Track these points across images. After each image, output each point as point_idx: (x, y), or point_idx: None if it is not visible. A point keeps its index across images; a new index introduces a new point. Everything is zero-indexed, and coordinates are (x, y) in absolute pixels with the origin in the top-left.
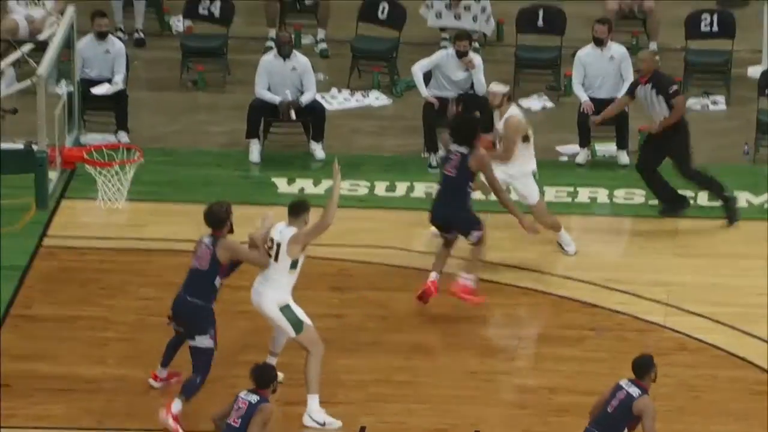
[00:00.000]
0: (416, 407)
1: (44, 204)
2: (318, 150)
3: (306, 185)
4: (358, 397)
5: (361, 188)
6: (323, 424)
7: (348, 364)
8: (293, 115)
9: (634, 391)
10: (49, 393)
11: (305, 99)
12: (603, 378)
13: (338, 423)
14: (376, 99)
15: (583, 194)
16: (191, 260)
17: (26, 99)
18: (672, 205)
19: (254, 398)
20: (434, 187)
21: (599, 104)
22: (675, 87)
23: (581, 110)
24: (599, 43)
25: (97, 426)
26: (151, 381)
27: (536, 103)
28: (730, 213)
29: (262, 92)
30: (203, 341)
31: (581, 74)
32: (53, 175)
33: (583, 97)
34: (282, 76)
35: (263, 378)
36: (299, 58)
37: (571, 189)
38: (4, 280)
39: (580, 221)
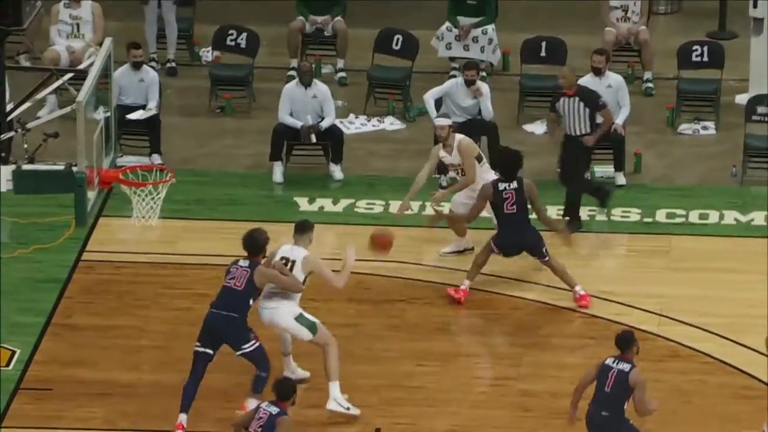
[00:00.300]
0: (427, 410)
1: (83, 221)
2: (337, 171)
3: (326, 204)
4: (372, 401)
5: (377, 207)
6: (347, 409)
7: (363, 370)
8: (314, 139)
9: (625, 366)
10: (90, 397)
11: (325, 124)
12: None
13: (358, 411)
14: (391, 124)
15: (583, 212)
16: (225, 281)
17: (67, 124)
18: (599, 194)
19: (275, 410)
20: (445, 207)
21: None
22: (602, 100)
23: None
24: (597, 72)
25: (132, 427)
26: None
27: (539, 128)
28: (602, 195)
29: (285, 117)
30: (250, 346)
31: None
32: (92, 194)
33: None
34: (303, 102)
35: (284, 391)
36: (319, 87)
37: None
38: (46, 292)
39: (580, 238)
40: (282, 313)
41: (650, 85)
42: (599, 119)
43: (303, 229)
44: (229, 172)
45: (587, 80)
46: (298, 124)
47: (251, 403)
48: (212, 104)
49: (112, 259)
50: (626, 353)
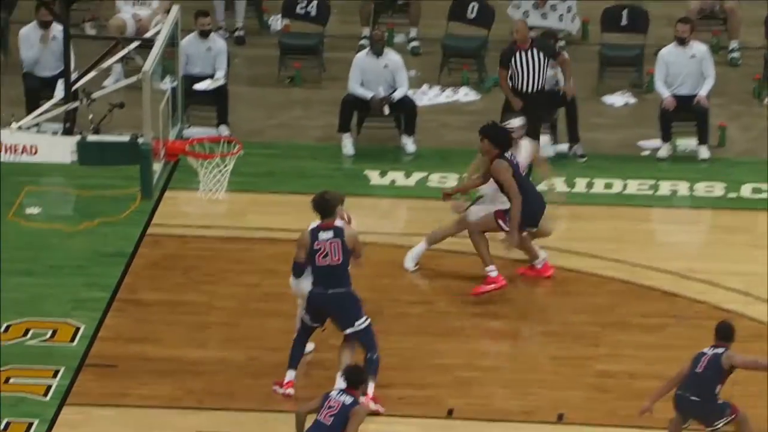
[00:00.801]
0: (501, 391)
1: (149, 194)
2: (409, 144)
3: (397, 177)
4: (445, 381)
5: (450, 180)
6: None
7: (436, 349)
8: (386, 111)
9: (719, 351)
10: (155, 374)
11: (397, 95)
12: (683, 364)
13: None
14: (465, 95)
15: (665, 187)
16: (318, 261)
17: (133, 94)
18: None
19: (348, 399)
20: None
21: (681, 101)
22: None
23: (663, 107)
24: (681, 42)
25: (198, 405)
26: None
27: (619, 99)
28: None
29: (355, 88)
30: (361, 323)
31: (664, 72)
32: (157, 166)
33: (665, 93)
34: (375, 73)
35: (355, 378)
36: (391, 56)
37: (653, 182)
38: (111, 266)
39: (662, 213)
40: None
41: (736, 55)
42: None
43: (332, 210)
44: (299, 144)
45: (670, 50)
46: (369, 94)
47: (371, 387)
48: (281, 74)
49: (178, 233)
50: (723, 342)
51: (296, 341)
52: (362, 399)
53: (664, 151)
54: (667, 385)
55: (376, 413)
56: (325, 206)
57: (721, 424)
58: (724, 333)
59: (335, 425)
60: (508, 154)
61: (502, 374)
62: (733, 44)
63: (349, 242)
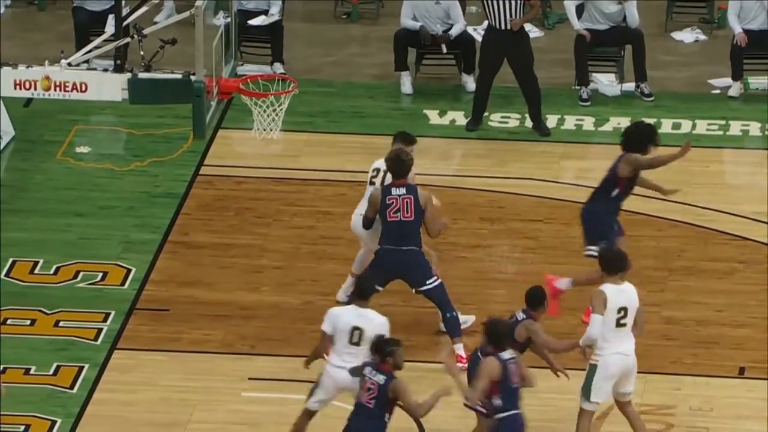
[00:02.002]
0: (563, 337)
1: (201, 133)
2: (470, 82)
3: (457, 117)
4: None
5: (512, 120)
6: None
7: (496, 294)
8: (444, 49)
9: (520, 316)
10: (207, 318)
11: (455, 31)
12: (752, 310)
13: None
14: (529, 31)
15: (735, 127)
16: (388, 216)
17: (184, 30)
18: (476, 119)
19: (381, 378)
20: (585, 121)
21: (753, 36)
22: None
23: (735, 42)
24: None
25: (251, 351)
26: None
27: (689, 36)
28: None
29: (406, 21)
30: (432, 282)
31: (737, 6)
32: (210, 105)
33: (737, 29)
34: (426, 9)
35: (382, 350)
36: None
37: (723, 122)
38: (162, 207)
39: (732, 154)
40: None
41: None
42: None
43: (407, 140)
44: (355, 83)
45: None
46: (417, 25)
47: (459, 348)
48: (338, 10)
49: (231, 174)
50: (534, 310)
51: None
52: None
53: (735, 89)
54: None
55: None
56: (401, 167)
57: None
58: (533, 300)
59: (378, 408)
60: None
61: (565, 320)
62: None
63: (423, 201)
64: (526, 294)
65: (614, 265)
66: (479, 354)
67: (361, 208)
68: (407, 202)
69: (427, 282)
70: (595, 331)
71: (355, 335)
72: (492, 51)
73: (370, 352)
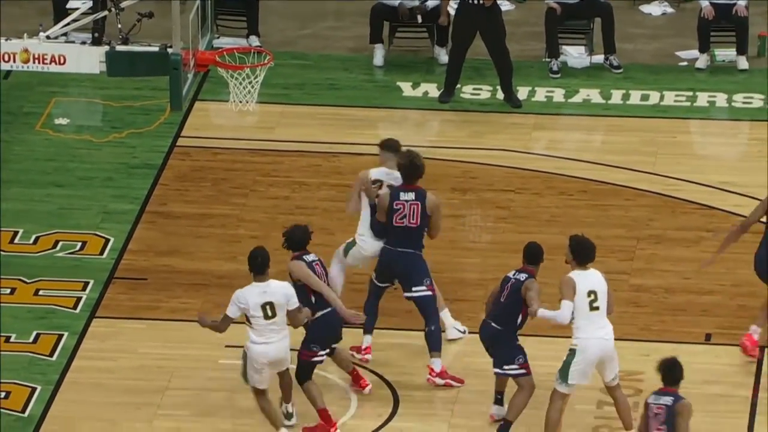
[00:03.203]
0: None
1: (178, 105)
2: (442, 54)
3: (430, 89)
4: (478, 295)
5: (484, 92)
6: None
7: (469, 263)
8: (419, 19)
9: (521, 276)
10: (185, 287)
11: (431, 3)
12: (718, 277)
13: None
14: (500, 5)
15: (702, 98)
16: (395, 220)
17: (162, 4)
18: (448, 91)
19: (668, 399)
20: (555, 93)
21: (720, 9)
22: None
23: (702, 15)
24: None
25: None
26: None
27: (657, 8)
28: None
29: None
30: (420, 291)
31: None
32: (187, 77)
33: (705, 2)
34: None
35: (674, 375)
36: None
37: (691, 93)
38: (140, 178)
39: (699, 125)
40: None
41: None
42: None
43: (394, 148)
44: (330, 55)
45: None
46: (395, 2)
47: (436, 364)
48: None
49: (208, 145)
50: (532, 265)
51: (367, 305)
52: (428, 378)
53: (702, 61)
54: None
55: (448, 386)
56: (415, 171)
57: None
58: (532, 256)
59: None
60: None
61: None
62: None
63: (430, 208)
64: (524, 249)
65: (584, 255)
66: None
67: (361, 228)
68: (414, 208)
69: (414, 289)
70: (564, 315)
71: (268, 310)
72: (465, 24)
73: (660, 372)
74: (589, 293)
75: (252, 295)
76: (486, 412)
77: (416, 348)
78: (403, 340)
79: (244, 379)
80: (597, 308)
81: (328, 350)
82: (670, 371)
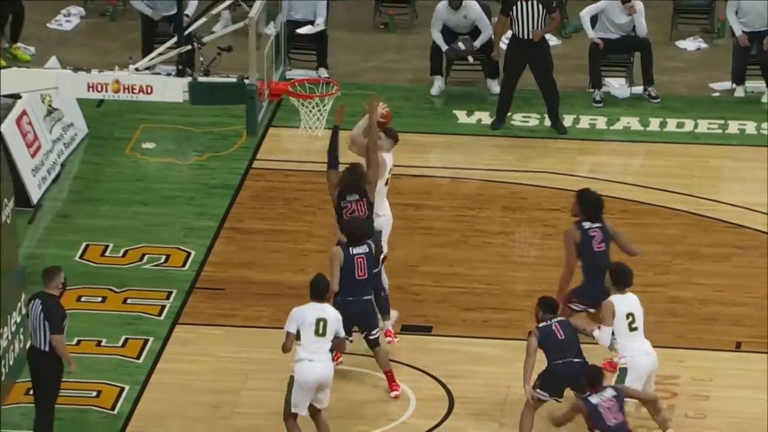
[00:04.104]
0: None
1: (254, 131)
2: (494, 86)
3: (483, 117)
4: (527, 305)
5: (532, 120)
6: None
7: (519, 276)
8: (470, 59)
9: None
10: (259, 297)
11: (479, 42)
12: (748, 290)
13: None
14: (548, 40)
15: (733, 126)
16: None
17: (240, 39)
18: (500, 119)
19: (610, 392)
20: (598, 120)
21: (754, 36)
22: (555, 2)
23: (738, 43)
24: None
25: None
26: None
27: (692, 44)
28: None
29: (436, 36)
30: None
31: (735, 5)
32: (262, 105)
33: (737, 28)
34: (455, 22)
35: (596, 378)
36: (470, 7)
37: (722, 121)
38: (219, 197)
39: (729, 150)
40: None
41: None
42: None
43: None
44: (392, 86)
45: None
46: (444, 47)
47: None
48: (376, 20)
49: (280, 167)
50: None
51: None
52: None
53: (740, 91)
54: None
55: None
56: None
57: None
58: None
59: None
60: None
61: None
62: None
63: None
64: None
65: (623, 281)
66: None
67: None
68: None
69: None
70: (604, 340)
71: (321, 326)
72: (515, 58)
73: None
74: (628, 315)
75: (309, 310)
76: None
77: (470, 353)
78: (456, 346)
79: (287, 405)
80: (636, 329)
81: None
82: (595, 377)
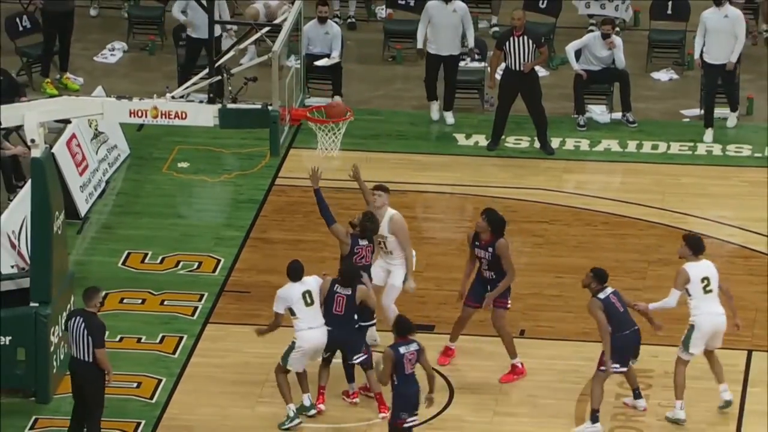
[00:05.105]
0: (564, 315)
1: (277, 152)
2: (449, 117)
3: (480, 139)
4: (517, 307)
5: (524, 142)
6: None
7: None
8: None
9: (612, 290)
10: None
11: (471, 41)
12: None
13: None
14: (537, 71)
15: (701, 148)
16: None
17: (264, 70)
18: (495, 141)
19: (415, 345)
20: (582, 143)
21: (719, 68)
22: (543, 38)
23: (706, 79)
24: (718, 3)
25: None
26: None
27: (664, 75)
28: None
29: (421, 31)
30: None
31: (703, 29)
32: (284, 129)
33: (699, 47)
34: (443, 17)
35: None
36: (458, 5)
37: (692, 144)
38: (245, 211)
39: (700, 170)
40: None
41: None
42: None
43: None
44: (399, 112)
45: (710, 11)
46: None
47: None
48: (385, 54)
49: (300, 184)
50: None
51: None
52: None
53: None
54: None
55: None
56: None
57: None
58: (603, 276)
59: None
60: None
61: (565, 302)
62: (763, 27)
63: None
64: (596, 274)
65: (697, 248)
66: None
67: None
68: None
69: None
70: (670, 302)
71: (308, 297)
72: (508, 87)
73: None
74: (703, 279)
75: (292, 288)
76: (522, 403)
77: (467, 349)
78: (456, 343)
79: (283, 363)
80: (710, 291)
81: None
82: (404, 325)
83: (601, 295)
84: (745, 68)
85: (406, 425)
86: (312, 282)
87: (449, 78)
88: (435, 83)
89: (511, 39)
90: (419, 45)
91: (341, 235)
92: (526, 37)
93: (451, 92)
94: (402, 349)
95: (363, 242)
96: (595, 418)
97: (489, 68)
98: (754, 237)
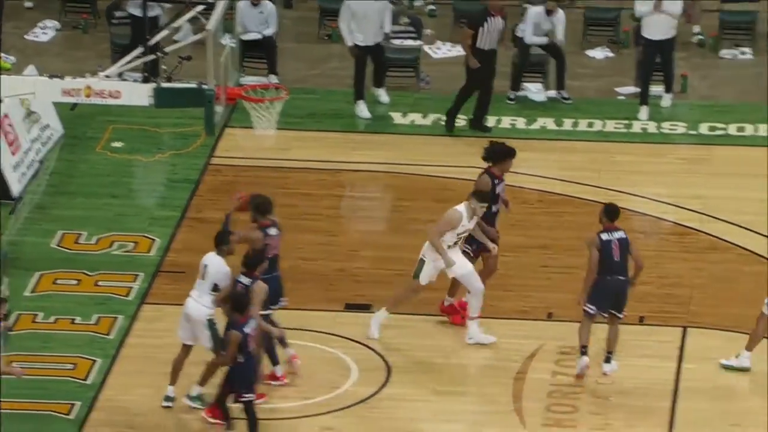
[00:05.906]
0: (505, 294)
1: (212, 131)
2: (383, 95)
3: (416, 118)
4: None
5: (460, 120)
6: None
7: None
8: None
9: (620, 233)
10: None
11: (388, 27)
12: (651, 270)
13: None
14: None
15: (636, 126)
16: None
17: (199, 49)
18: (452, 120)
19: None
20: (518, 121)
21: (659, 44)
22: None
23: (643, 57)
24: None
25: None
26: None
27: (600, 53)
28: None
29: (343, 27)
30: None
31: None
32: (219, 108)
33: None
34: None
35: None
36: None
37: (627, 122)
38: (180, 190)
39: (635, 147)
40: None
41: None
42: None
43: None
44: (335, 91)
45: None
46: (350, 43)
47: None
48: (320, 32)
49: (235, 164)
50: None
51: None
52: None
53: (644, 113)
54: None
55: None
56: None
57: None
58: (614, 212)
59: None
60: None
61: (505, 280)
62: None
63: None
64: (605, 211)
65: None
66: None
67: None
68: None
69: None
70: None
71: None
72: (482, 68)
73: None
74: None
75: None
76: (460, 381)
77: (405, 328)
78: (393, 322)
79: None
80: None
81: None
82: (244, 304)
83: (605, 236)
84: (680, 47)
85: (242, 400)
86: (212, 259)
87: (378, 59)
88: (364, 80)
89: (489, 19)
90: (349, 43)
91: (256, 238)
92: (499, 18)
93: (382, 70)
94: (246, 329)
95: (272, 232)
96: (582, 352)
97: (465, 48)
98: (688, 214)
